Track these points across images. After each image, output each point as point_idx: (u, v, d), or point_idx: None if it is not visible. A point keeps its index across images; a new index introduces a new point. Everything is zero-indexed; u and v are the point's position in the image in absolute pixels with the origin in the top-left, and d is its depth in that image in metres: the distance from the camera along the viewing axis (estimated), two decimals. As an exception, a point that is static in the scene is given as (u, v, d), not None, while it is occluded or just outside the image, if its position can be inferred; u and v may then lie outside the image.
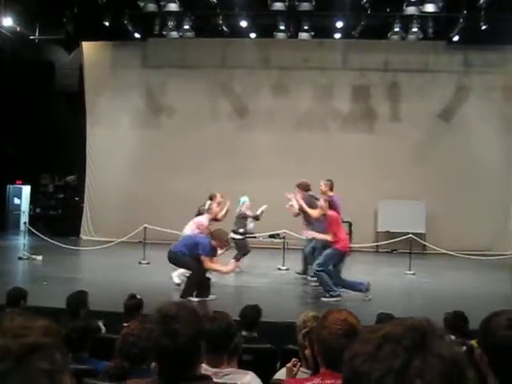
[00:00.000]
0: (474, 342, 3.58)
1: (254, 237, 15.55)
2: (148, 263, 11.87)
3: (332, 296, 8.67)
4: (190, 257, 8.39)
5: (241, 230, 11.13)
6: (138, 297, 5.42)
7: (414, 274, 11.38)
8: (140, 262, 11.91)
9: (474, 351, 2.07)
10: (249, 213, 11.30)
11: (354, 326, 2.33)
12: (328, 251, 8.77)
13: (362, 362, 0.94)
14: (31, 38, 15.01)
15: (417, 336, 0.96)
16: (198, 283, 8.44)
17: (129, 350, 3.29)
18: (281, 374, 3.55)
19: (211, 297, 8.52)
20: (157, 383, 2.14)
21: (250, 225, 11.50)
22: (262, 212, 11.39)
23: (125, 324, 4.14)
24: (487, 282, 11.21)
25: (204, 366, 2.99)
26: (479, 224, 15.48)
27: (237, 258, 10.34)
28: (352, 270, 11.69)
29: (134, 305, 5.30)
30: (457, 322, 4.73)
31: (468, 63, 16.12)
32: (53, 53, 17.27)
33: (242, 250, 11.10)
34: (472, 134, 15.95)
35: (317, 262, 8.86)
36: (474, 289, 10.14)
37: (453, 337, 4.38)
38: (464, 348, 3.18)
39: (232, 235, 10.63)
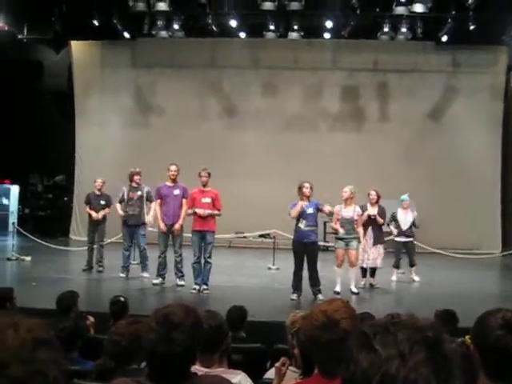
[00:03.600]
0: (467, 338, 3.59)
1: (244, 237, 15.62)
2: (138, 263, 11.81)
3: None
4: None
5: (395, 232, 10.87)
6: (122, 299, 5.40)
7: (403, 273, 11.43)
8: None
9: (470, 347, 2.08)
10: (399, 213, 10.87)
11: (332, 319, 2.19)
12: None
13: (397, 366, 0.93)
14: (19, 37, 14.90)
15: (434, 340, 0.97)
16: (295, 275, 8.75)
17: (113, 349, 3.29)
18: (271, 373, 3.55)
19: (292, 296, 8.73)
20: (146, 383, 2.11)
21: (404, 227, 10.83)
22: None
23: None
24: (476, 281, 11.29)
25: (195, 366, 2.98)
26: (468, 223, 15.57)
27: (412, 265, 10.87)
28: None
29: (118, 309, 5.28)
30: (447, 320, 4.75)
31: (456, 63, 16.22)
32: (41, 52, 17.15)
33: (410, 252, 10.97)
34: (460, 134, 16.04)
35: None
36: (463, 287, 10.19)
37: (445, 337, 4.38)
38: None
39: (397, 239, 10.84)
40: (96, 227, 10.99)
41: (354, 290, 9.25)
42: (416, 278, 10.79)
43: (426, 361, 0.93)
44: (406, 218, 10.87)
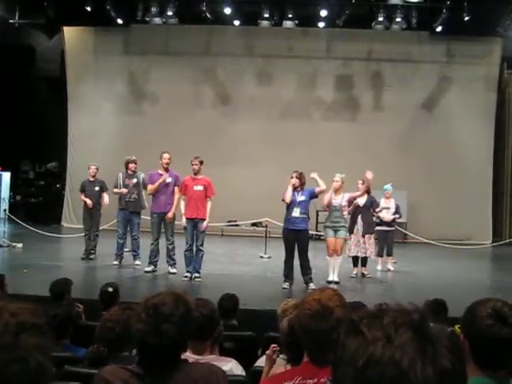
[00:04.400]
0: (456, 327, 3.62)
1: (237, 225, 15.63)
2: (129, 251, 11.79)
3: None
4: None
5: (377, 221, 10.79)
6: (112, 287, 5.37)
7: (395, 263, 11.49)
8: (124, 250, 11.82)
9: (460, 336, 2.09)
10: (382, 202, 10.79)
11: (326, 307, 2.19)
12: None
13: (382, 347, 0.93)
14: (11, 21, 14.75)
15: (420, 322, 0.97)
16: (286, 263, 8.73)
17: (106, 336, 3.29)
18: (262, 361, 3.57)
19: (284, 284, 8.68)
20: (136, 370, 2.11)
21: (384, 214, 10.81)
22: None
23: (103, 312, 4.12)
24: (466, 271, 11.36)
25: (187, 353, 2.99)
26: (460, 213, 15.65)
27: (389, 254, 10.87)
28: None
29: (108, 296, 5.25)
30: (437, 309, 4.78)
31: (451, 54, 16.21)
32: (33, 37, 16.99)
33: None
34: (454, 124, 16.08)
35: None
36: (454, 277, 10.25)
37: (431, 324, 4.41)
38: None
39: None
40: (91, 215, 10.97)
41: (336, 279, 9.27)
42: (391, 268, 10.86)
43: (411, 341, 0.93)
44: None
